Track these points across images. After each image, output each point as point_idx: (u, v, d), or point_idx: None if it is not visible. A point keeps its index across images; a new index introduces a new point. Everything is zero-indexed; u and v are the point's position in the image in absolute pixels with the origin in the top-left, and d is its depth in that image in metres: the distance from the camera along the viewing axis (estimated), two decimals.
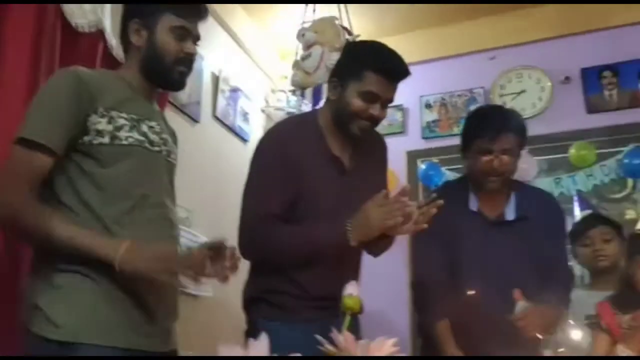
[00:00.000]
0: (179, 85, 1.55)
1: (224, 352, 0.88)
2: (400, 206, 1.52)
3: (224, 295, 2.91)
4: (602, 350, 1.53)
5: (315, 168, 1.65)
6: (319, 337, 1.13)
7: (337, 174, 1.68)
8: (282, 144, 1.64)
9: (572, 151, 3.31)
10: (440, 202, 1.57)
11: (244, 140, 3.48)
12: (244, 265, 2.49)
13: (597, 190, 3.26)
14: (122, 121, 1.39)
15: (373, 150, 1.80)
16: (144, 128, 1.44)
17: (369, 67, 1.61)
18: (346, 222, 1.55)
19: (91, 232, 1.31)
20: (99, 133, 1.36)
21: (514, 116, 1.94)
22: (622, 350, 1.49)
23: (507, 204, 1.91)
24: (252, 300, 1.71)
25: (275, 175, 1.62)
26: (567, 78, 3.46)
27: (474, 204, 1.92)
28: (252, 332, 1.65)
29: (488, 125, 1.84)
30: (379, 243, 1.66)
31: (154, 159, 1.46)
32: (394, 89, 1.66)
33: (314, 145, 1.67)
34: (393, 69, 1.63)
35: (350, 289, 1.24)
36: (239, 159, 3.12)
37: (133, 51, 1.52)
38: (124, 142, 1.38)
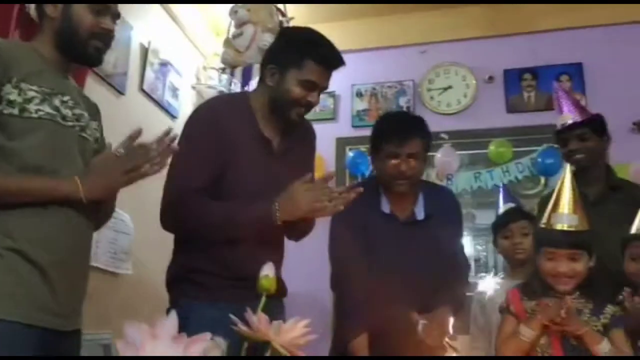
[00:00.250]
0: (95, 60, 1.52)
1: (130, 330, 0.87)
2: (328, 191, 1.57)
3: (143, 273, 2.85)
4: (508, 330, 1.64)
5: (245, 146, 1.65)
6: (232, 317, 1.14)
7: (265, 154, 1.70)
8: (212, 119, 1.65)
9: (491, 148, 3.48)
10: (361, 189, 1.62)
11: (172, 116, 3.39)
12: (164, 245, 2.46)
13: (512, 186, 3.43)
14: (32, 94, 1.35)
15: (303, 137, 1.82)
16: (56, 102, 1.40)
17: (309, 56, 1.64)
18: (272, 202, 1.57)
19: (34, 177, 1.32)
20: (10, 103, 1.32)
21: (420, 122, 2.03)
22: (523, 329, 1.59)
23: (416, 204, 2.01)
24: (175, 280, 1.70)
25: (203, 149, 1.62)
26: (490, 77, 3.62)
27: (385, 206, 2.01)
28: (175, 312, 1.67)
29: (395, 131, 1.93)
30: (300, 226, 1.70)
31: (66, 134, 1.43)
32: (330, 78, 1.71)
33: (245, 125, 1.68)
34: (332, 59, 1.68)
35: (267, 270, 1.25)
36: None
37: (47, 22, 1.47)
38: (34, 115, 1.35)
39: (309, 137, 1.88)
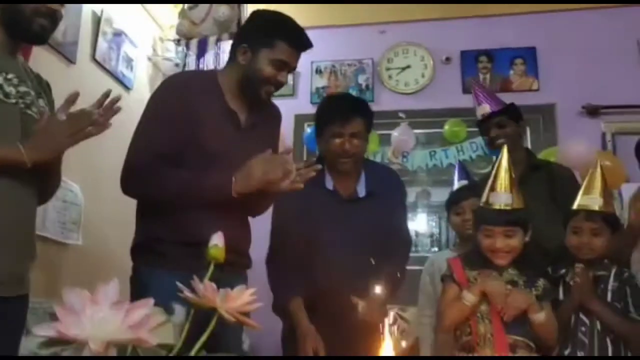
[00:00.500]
0: (40, 38, 1.51)
1: (69, 296, 0.85)
2: (282, 161, 1.60)
3: (94, 244, 2.80)
4: (451, 296, 1.74)
5: (211, 118, 1.69)
6: (179, 284, 1.14)
7: (232, 127, 1.73)
8: (180, 90, 1.68)
9: (447, 127, 3.53)
10: (319, 166, 1.66)
11: (126, 87, 3.30)
12: (115, 216, 2.42)
13: (466, 165, 3.50)
14: None
15: (269, 115, 1.87)
16: None
17: (281, 38, 1.70)
18: (231, 174, 1.60)
19: None
20: None
21: (362, 103, 2.13)
22: (466, 294, 1.69)
23: (358, 182, 2.08)
24: (137, 248, 1.73)
25: (169, 117, 1.65)
26: (447, 59, 3.66)
27: (329, 184, 2.07)
28: (134, 280, 1.69)
29: (338, 111, 2.01)
30: (258, 201, 1.73)
31: (8, 111, 1.42)
32: (299, 59, 1.77)
33: (213, 98, 1.71)
34: (303, 40, 1.76)
35: (216, 240, 1.25)
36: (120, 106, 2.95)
37: None
38: None
39: (276, 116, 1.91)
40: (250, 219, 1.87)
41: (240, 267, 1.71)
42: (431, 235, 3.61)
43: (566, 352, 1.72)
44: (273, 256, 2.02)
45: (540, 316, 1.61)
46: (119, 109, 1.46)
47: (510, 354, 1.57)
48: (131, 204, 1.77)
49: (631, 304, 1.74)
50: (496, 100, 2.40)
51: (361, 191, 2.06)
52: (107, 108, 1.42)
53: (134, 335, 0.87)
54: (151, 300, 0.93)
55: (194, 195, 1.61)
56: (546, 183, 2.12)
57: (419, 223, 3.78)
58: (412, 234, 3.68)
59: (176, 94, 1.67)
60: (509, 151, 2.14)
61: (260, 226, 1.96)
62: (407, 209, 2.27)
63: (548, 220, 1.94)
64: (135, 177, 1.65)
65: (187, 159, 1.64)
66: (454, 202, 2.34)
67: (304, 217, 1.93)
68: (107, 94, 1.45)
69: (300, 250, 1.92)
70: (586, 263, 1.80)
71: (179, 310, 1.12)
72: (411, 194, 3.43)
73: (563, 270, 1.83)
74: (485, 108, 2.33)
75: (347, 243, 1.89)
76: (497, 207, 1.70)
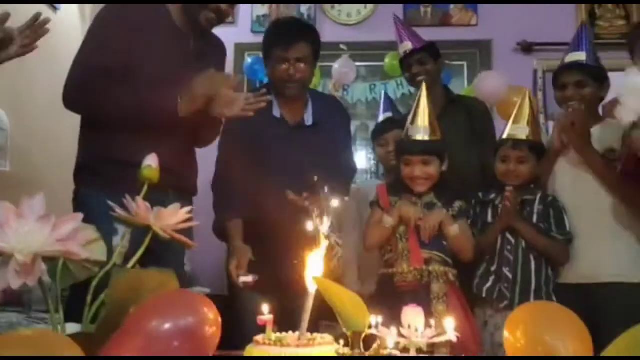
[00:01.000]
0: None
1: None
2: (225, 78, 1.63)
3: (23, 170, 2.70)
4: (374, 219, 1.88)
5: (158, 36, 1.68)
6: (110, 202, 1.12)
7: (179, 47, 1.71)
8: (128, 9, 1.67)
9: (387, 60, 3.53)
10: (268, 98, 1.67)
11: (53, 7, 3.08)
12: (45, 142, 2.31)
13: (404, 100, 3.54)
14: None
15: (215, 47, 1.91)
16: None
17: None
18: (178, 94, 1.60)
19: None
20: None
21: (308, 27, 2.13)
22: (385, 218, 1.84)
23: (305, 110, 2.10)
24: (78, 170, 1.71)
25: (115, 31, 1.63)
26: None
27: (276, 111, 2.07)
28: (76, 203, 1.69)
29: (284, 36, 2.01)
30: (205, 129, 1.76)
31: None
32: None
33: (161, 17, 1.72)
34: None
35: (149, 161, 1.23)
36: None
37: None
38: None
39: (222, 49, 1.96)
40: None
41: (186, 193, 1.71)
42: (368, 169, 3.67)
43: (492, 269, 1.86)
44: (218, 181, 2.02)
45: (454, 228, 1.76)
46: (46, 31, 1.40)
47: (424, 267, 1.71)
48: (62, 129, 1.72)
49: (553, 225, 1.88)
50: (417, 38, 2.44)
51: (308, 119, 2.08)
52: (35, 30, 1.38)
53: (62, 248, 0.86)
54: (80, 215, 0.92)
55: (138, 113, 1.59)
56: (463, 116, 2.25)
57: (358, 157, 3.83)
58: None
59: (122, 10, 1.66)
60: (429, 87, 2.21)
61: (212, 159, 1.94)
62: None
63: (465, 150, 2.04)
64: (78, 92, 1.62)
65: (132, 77, 1.61)
66: (378, 134, 2.39)
67: (250, 143, 1.93)
68: (36, 17, 1.40)
69: (245, 176, 1.92)
70: (514, 188, 1.91)
71: (122, 231, 1.12)
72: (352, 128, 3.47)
73: (493, 195, 1.94)
74: (408, 45, 2.38)
75: (293, 169, 1.91)
76: (415, 138, 1.83)
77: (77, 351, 0.78)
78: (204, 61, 1.73)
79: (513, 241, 1.86)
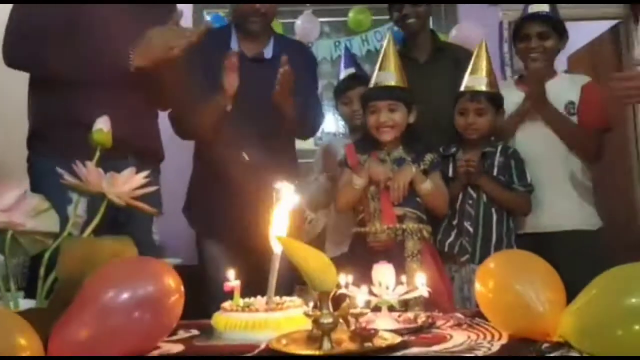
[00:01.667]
0: None
1: None
2: (183, 32, 1.54)
3: None
4: (344, 181, 1.84)
5: None
6: (59, 169, 1.06)
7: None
8: None
9: (351, 15, 3.45)
10: (211, 25, 1.60)
11: None
12: None
13: (370, 56, 3.48)
14: None
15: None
16: None
17: None
18: (129, 48, 1.52)
19: None
20: None
21: None
22: (355, 178, 1.79)
23: (266, 45, 2.04)
24: (30, 136, 1.64)
25: None
26: None
27: (234, 44, 2.02)
28: (30, 172, 1.62)
29: None
30: (159, 87, 1.65)
31: None
32: None
33: None
34: None
35: (100, 124, 1.16)
36: None
37: None
38: None
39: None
40: None
41: (148, 158, 1.63)
42: (337, 132, 3.62)
43: (454, 222, 1.86)
44: (177, 115, 1.96)
45: (426, 185, 1.74)
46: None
47: (397, 225, 1.69)
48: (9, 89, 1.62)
49: (515, 176, 1.89)
50: None
51: (268, 53, 2.02)
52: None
53: (4, 219, 0.81)
54: (25, 182, 0.87)
55: (84, 67, 1.51)
56: (450, 63, 2.16)
57: (327, 118, 3.79)
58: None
59: None
60: (418, 32, 2.18)
61: None
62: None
63: (450, 98, 1.99)
64: (18, 46, 1.52)
65: (78, 29, 1.51)
66: (341, 92, 2.29)
67: (205, 75, 1.85)
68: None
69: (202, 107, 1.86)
70: (473, 142, 1.90)
71: (77, 200, 1.06)
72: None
73: (453, 149, 1.93)
74: None
75: (251, 105, 1.85)
76: (382, 84, 1.80)
77: (26, 327, 0.73)
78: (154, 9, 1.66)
79: (474, 195, 1.87)
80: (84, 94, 1.51)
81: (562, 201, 1.96)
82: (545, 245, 1.74)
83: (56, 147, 1.52)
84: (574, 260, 1.62)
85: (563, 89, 2.02)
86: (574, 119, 2.00)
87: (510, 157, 1.91)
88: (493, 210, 1.86)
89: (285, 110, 1.86)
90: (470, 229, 1.84)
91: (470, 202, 1.87)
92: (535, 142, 1.97)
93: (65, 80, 1.51)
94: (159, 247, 1.85)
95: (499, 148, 1.92)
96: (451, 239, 1.85)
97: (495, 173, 1.89)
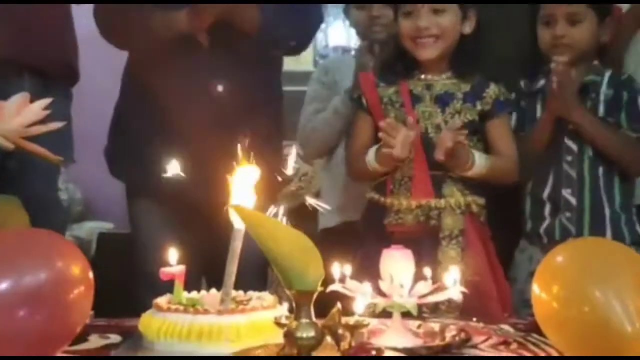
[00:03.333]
0: None
1: None
2: None
3: None
4: (361, 138, 1.80)
5: None
6: None
7: None
8: None
9: None
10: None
11: None
12: None
13: None
14: None
15: None
16: None
17: None
18: None
19: None
20: None
21: None
22: (371, 161, 1.72)
23: None
24: None
25: None
26: None
27: None
28: None
29: None
30: None
31: None
32: None
33: None
34: None
35: None
36: None
37: None
38: None
39: None
40: None
41: (55, 79, 1.65)
42: (346, 47, 3.56)
43: (545, 194, 1.80)
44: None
45: (475, 169, 1.67)
46: None
47: (433, 202, 1.64)
48: None
49: (624, 116, 1.81)
50: None
51: None
52: None
53: None
54: None
55: None
56: None
57: (334, 28, 3.71)
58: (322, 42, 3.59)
59: None
60: None
61: None
62: None
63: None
64: None
65: None
66: None
67: None
68: None
69: None
70: (568, 65, 1.82)
71: None
72: None
73: (542, 82, 1.85)
74: None
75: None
76: None
77: None
78: None
79: (575, 148, 1.80)
80: None
81: None
82: None
83: None
84: None
85: None
86: None
87: (622, 88, 1.83)
88: (601, 169, 1.82)
89: (242, 22, 1.81)
90: (573, 201, 1.80)
91: (570, 158, 1.80)
92: None
93: None
94: (74, 208, 1.86)
95: (607, 75, 1.84)
96: (547, 221, 1.81)
97: (601, 113, 1.82)
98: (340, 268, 1.07)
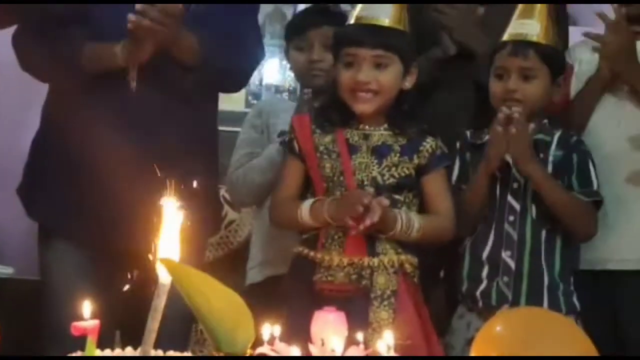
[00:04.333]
0: None
1: None
2: None
3: None
4: (290, 185, 1.82)
5: None
6: None
7: None
8: None
9: None
10: None
11: None
12: None
13: None
14: None
15: None
16: None
17: None
18: None
19: None
20: None
21: None
22: (305, 214, 1.72)
23: None
24: None
25: None
26: None
27: None
28: None
29: None
30: None
31: None
32: None
33: None
34: None
35: None
36: None
37: None
38: None
39: None
40: None
41: None
42: (282, 86, 3.59)
43: (484, 254, 1.81)
44: None
45: (413, 233, 1.68)
46: None
47: (366, 260, 1.64)
48: None
49: (575, 178, 1.84)
50: None
51: None
52: None
53: None
54: None
55: None
56: None
57: (269, 65, 3.72)
58: (255, 81, 3.62)
59: None
60: None
61: None
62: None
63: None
64: None
65: None
66: (296, 29, 2.25)
67: None
68: None
69: None
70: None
71: None
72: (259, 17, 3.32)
73: (487, 136, 1.85)
74: None
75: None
76: (368, 22, 1.75)
77: None
78: None
79: (517, 208, 1.83)
80: None
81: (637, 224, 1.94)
82: (613, 288, 1.75)
83: None
84: None
85: None
86: None
87: (572, 150, 1.87)
88: (544, 232, 1.84)
89: (181, 55, 1.81)
90: (512, 264, 1.80)
91: (512, 218, 1.82)
92: (612, 130, 1.98)
93: None
94: None
95: (557, 135, 1.88)
96: (484, 284, 1.81)
97: (549, 172, 1.84)
98: (270, 329, 1.07)
